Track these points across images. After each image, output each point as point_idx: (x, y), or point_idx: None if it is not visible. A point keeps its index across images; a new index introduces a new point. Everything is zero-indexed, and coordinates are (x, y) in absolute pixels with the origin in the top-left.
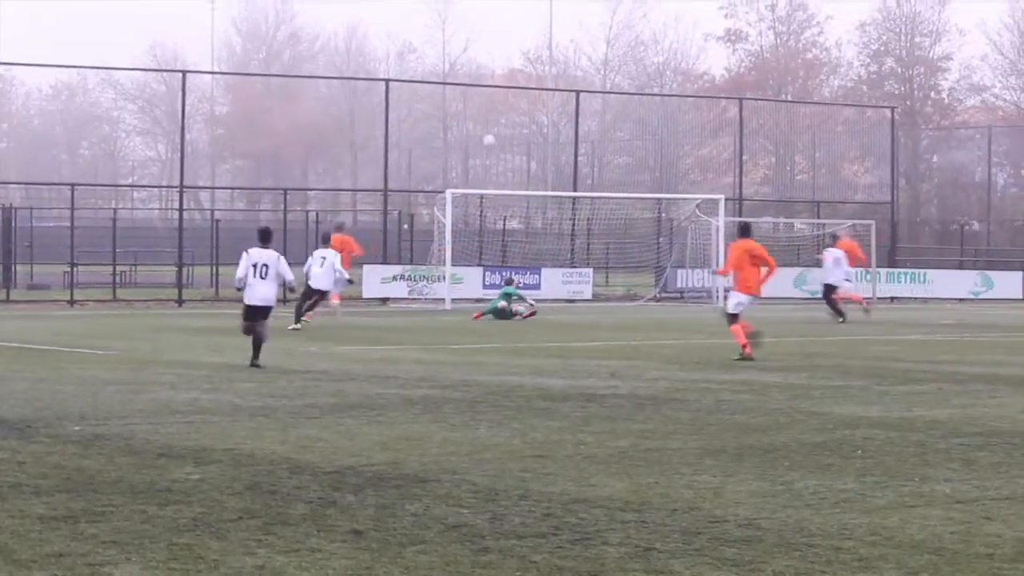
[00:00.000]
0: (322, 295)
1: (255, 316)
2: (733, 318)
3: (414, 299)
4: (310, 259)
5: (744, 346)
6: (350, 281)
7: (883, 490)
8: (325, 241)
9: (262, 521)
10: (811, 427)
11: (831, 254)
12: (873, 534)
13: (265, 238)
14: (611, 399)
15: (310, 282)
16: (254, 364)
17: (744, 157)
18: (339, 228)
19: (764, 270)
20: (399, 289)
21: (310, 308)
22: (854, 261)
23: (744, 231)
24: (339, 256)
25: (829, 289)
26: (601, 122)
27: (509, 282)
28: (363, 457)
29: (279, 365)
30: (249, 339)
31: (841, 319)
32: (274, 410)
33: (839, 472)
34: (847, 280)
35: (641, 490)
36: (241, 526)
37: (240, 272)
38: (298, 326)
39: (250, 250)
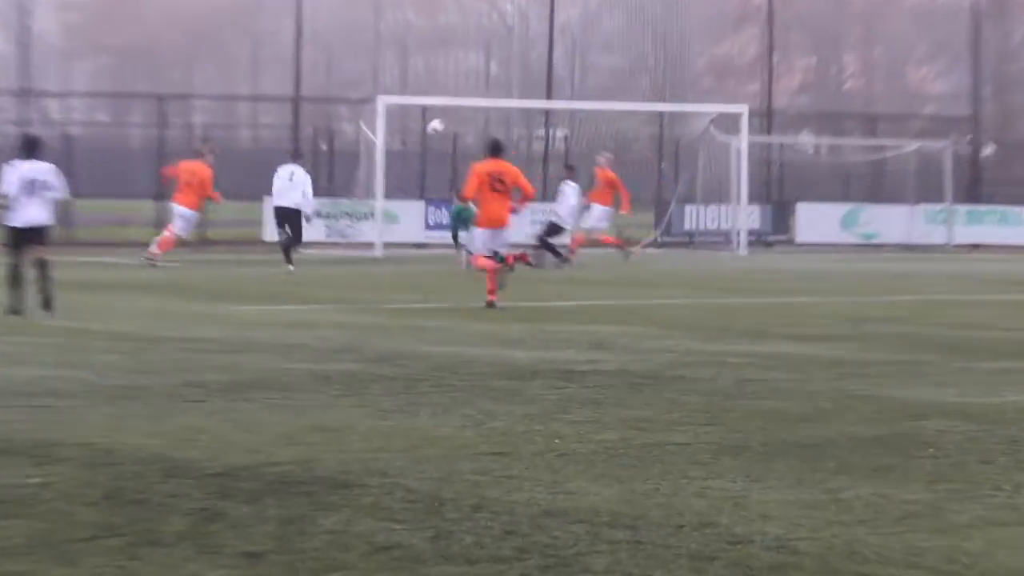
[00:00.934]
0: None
1: (25, 242)
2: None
3: (333, 243)
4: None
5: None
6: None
7: (962, 502)
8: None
9: (125, 540)
10: (865, 416)
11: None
12: (950, 561)
13: (31, 148)
14: (595, 377)
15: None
16: (45, 308)
17: (775, 57)
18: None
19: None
20: (313, 230)
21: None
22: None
23: (494, 150)
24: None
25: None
26: (584, 9)
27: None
28: (262, 454)
29: (148, 330)
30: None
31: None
32: (143, 391)
33: (903, 478)
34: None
35: (636, 499)
36: (97, 547)
37: (5, 188)
38: (291, 268)
39: (15, 163)
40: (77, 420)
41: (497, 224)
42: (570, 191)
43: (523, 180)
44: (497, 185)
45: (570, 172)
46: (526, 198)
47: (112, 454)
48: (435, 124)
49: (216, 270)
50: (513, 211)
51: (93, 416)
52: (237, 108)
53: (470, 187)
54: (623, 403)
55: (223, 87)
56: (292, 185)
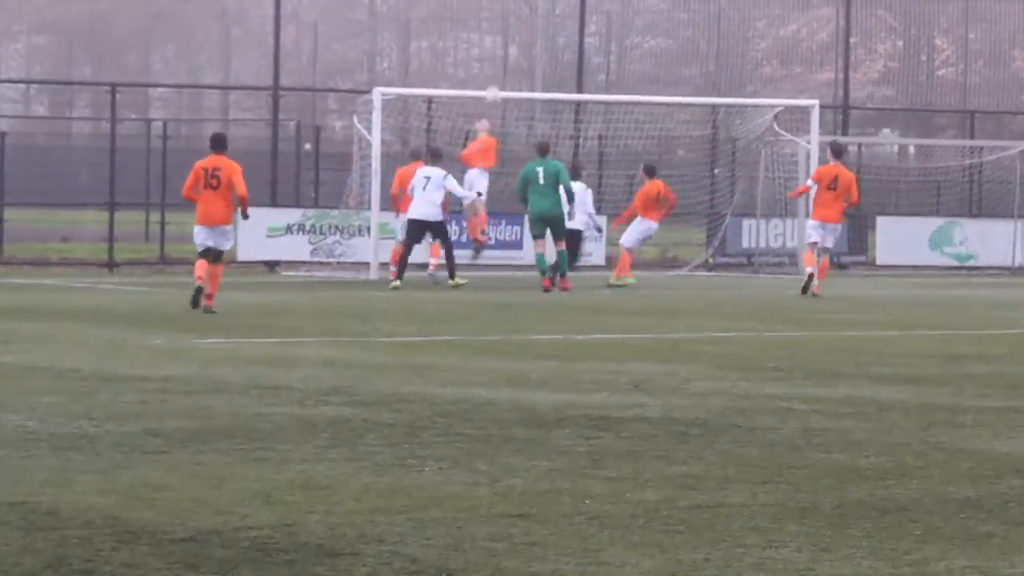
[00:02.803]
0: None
1: None
2: None
3: (320, 263)
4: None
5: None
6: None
7: None
8: (435, 157)
9: None
10: (958, 473)
11: None
12: None
13: None
14: (634, 425)
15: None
16: None
17: (853, 40)
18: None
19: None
20: (296, 247)
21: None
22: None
23: (214, 144)
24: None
25: None
26: None
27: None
28: (235, 515)
29: (99, 367)
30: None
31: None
32: (93, 440)
33: (1005, 548)
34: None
35: (682, 572)
36: None
37: None
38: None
39: None
40: (13, 474)
41: (211, 222)
42: (584, 196)
43: (238, 179)
44: (212, 181)
45: (575, 172)
46: (242, 200)
47: (55, 515)
48: (492, 92)
49: (180, 295)
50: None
51: (33, 470)
52: (204, 101)
53: (188, 184)
54: (667, 456)
55: (187, 75)
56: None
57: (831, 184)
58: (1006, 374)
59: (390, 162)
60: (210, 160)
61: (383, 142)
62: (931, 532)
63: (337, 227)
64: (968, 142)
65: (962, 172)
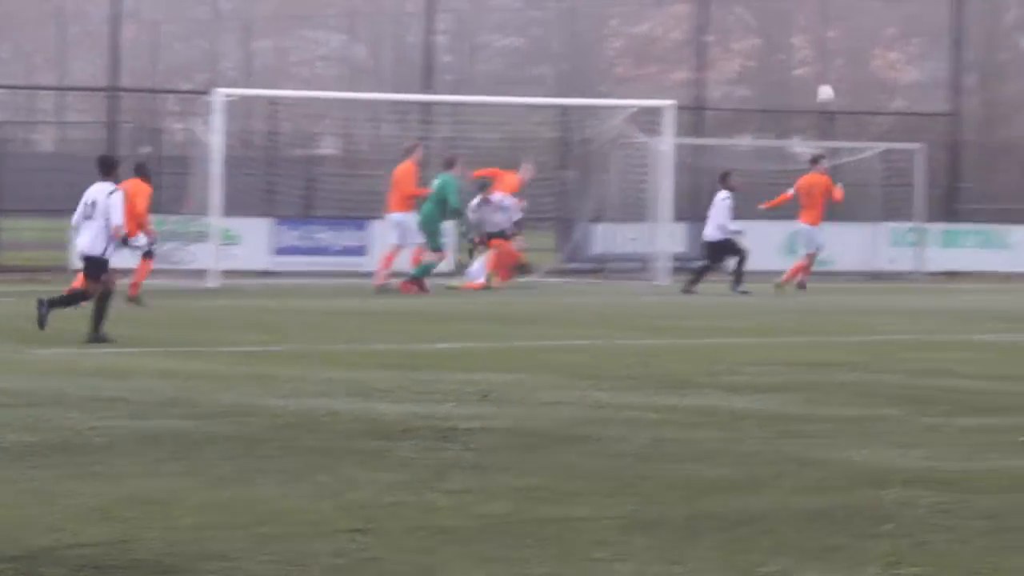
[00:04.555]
0: None
1: None
2: None
3: (158, 270)
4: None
5: None
6: None
7: None
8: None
9: None
10: (809, 484)
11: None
12: None
13: None
14: (480, 436)
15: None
16: None
17: (709, 38)
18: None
19: None
20: (134, 253)
21: None
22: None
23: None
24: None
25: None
26: None
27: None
28: (68, 532)
29: None
30: None
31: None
32: None
33: (855, 559)
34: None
35: None
36: None
37: None
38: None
39: None
40: None
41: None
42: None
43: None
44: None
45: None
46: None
47: None
48: (826, 92)
49: (12, 305)
50: None
51: None
52: (37, 102)
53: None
54: (514, 468)
55: (21, 75)
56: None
57: (810, 191)
58: (861, 382)
59: (233, 166)
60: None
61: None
62: (781, 543)
63: (175, 232)
64: (825, 143)
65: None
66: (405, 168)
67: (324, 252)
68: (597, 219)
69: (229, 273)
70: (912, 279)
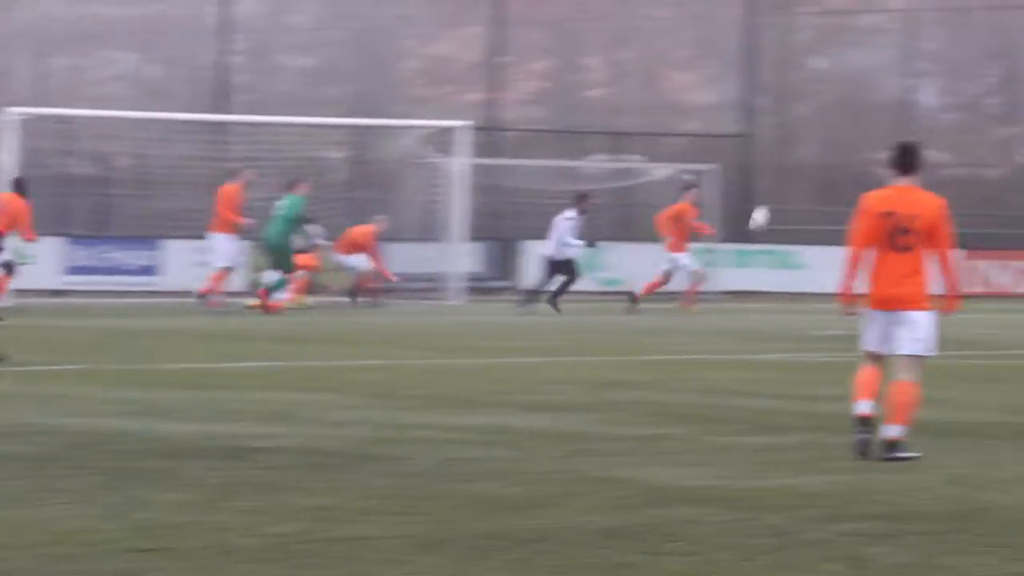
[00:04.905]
0: None
1: None
2: None
3: None
4: None
5: None
6: None
7: None
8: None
9: None
10: (599, 503)
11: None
12: None
13: None
14: (271, 456)
15: None
16: None
17: (504, 59)
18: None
19: None
20: None
21: None
22: None
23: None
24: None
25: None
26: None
27: None
28: None
29: None
30: None
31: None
32: None
33: None
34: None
35: None
36: None
37: None
38: None
39: None
40: None
41: None
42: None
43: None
44: None
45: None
46: None
47: None
48: (759, 217)
49: None
50: None
51: None
52: None
53: None
54: (304, 488)
55: None
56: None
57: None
58: (652, 401)
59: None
60: None
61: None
62: (571, 562)
63: None
64: (618, 163)
65: (612, 194)
66: (228, 190)
67: (116, 271)
68: (392, 239)
69: (21, 292)
70: (706, 300)
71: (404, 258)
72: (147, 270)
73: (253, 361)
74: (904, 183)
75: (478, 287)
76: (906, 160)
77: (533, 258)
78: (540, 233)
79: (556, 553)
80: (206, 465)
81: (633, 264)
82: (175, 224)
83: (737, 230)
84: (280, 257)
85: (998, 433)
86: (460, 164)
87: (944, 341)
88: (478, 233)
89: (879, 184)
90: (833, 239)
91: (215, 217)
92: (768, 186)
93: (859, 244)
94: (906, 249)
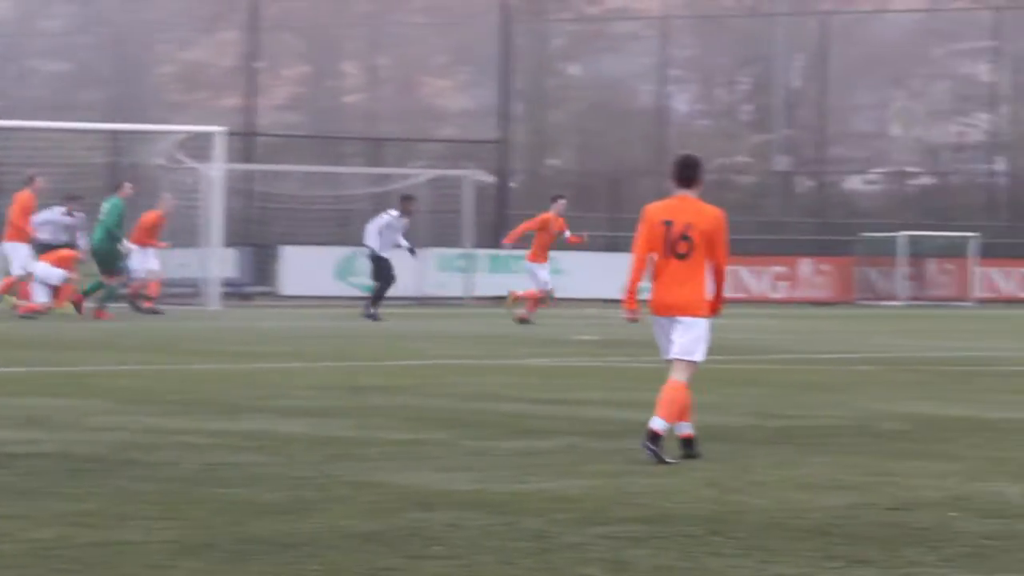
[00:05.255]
0: None
1: None
2: None
3: None
4: None
5: None
6: None
7: None
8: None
9: None
10: (359, 508)
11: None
12: None
13: None
14: (27, 461)
15: None
16: None
17: (259, 65)
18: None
19: None
20: None
21: None
22: None
23: None
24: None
25: None
26: (20, 2)
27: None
28: None
29: None
30: None
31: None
32: None
33: None
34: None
35: None
36: None
37: None
38: None
39: None
40: None
41: None
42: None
43: None
44: None
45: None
46: None
47: None
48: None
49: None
50: None
51: None
52: None
53: None
54: (62, 493)
55: None
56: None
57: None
58: (410, 406)
59: None
60: None
61: None
62: (332, 567)
63: None
64: (374, 169)
65: (369, 200)
66: (21, 197)
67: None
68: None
69: None
70: (461, 305)
71: (163, 263)
72: None
73: (7, 367)
74: (684, 194)
75: (236, 292)
76: (686, 173)
77: (290, 263)
78: (297, 239)
79: (318, 558)
80: None
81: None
82: None
83: (493, 235)
84: (105, 261)
85: (753, 437)
86: (216, 169)
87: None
88: (235, 239)
89: (633, 190)
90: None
91: (9, 225)
92: (524, 193)
93: (641, 251)
94: (684, 257)
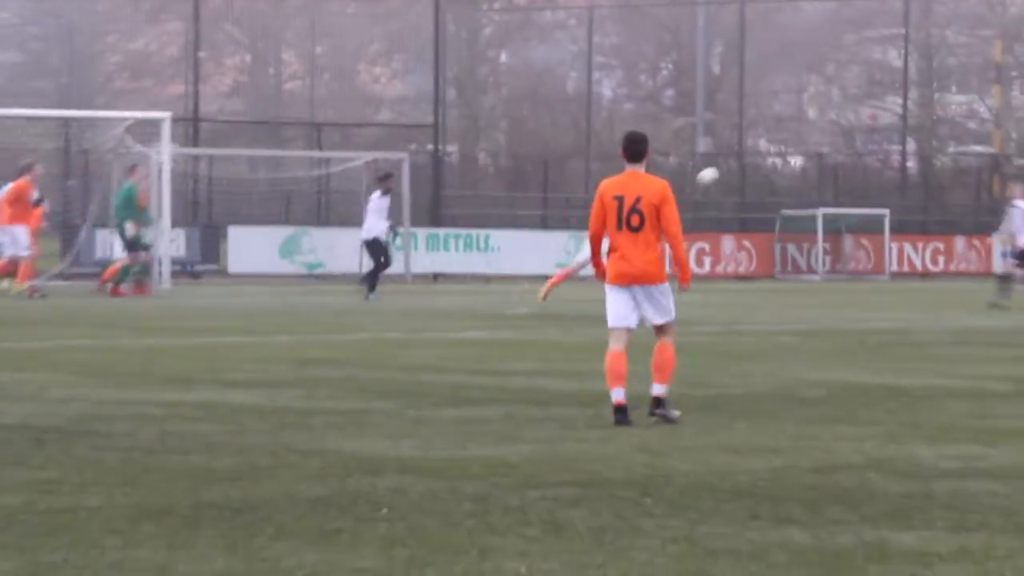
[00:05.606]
0: None
1: None
2: None
3: None
4: None
5: None
6: None
7: (422, 569)
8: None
9: None
10: (309, 473)
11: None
12: None
13: None
14: None
15: None
16: None
17: (202, 54)
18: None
19: None
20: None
21: None
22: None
23: None
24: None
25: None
26: None
27: None
28: None
29: None
30: None
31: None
32: None
33: (353, 542)
34: None
35: (41, 572)
36: None
37: None
38: None
39: None
40: None
41: None
42: None
43: None
44: None
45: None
46: None
47: None
48: (709, 175)
49: None
50: None
51: None
52: None
53: None
54: (25, 462)
55: None
56: None
57: None
58: (355, 377)
59: None
60: None
61: None
62: (283, 530)
63: None
64: (315, 153)
65: (310, 182)
66: (18, 185)
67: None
68: (100, 225)
69: None
70: (401, 282)
71: (114, 244)
72: None
73: None
74: (633, 168)
75: (185, 271)
76: (634, 148)
77: (236, 243)
78: (242, 219)
79: (269, 521)
80: None
81: (329, 248)
82: None
83: (430, 215)
84: (129, 242)
85: (681, 405)
86: (163, 154)
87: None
88: (180, 220)
89: (562, 171)
90: (519, 223)
91: (9, 210)
92: (458, 175)
93: (595, 225)
94: (637, 229)
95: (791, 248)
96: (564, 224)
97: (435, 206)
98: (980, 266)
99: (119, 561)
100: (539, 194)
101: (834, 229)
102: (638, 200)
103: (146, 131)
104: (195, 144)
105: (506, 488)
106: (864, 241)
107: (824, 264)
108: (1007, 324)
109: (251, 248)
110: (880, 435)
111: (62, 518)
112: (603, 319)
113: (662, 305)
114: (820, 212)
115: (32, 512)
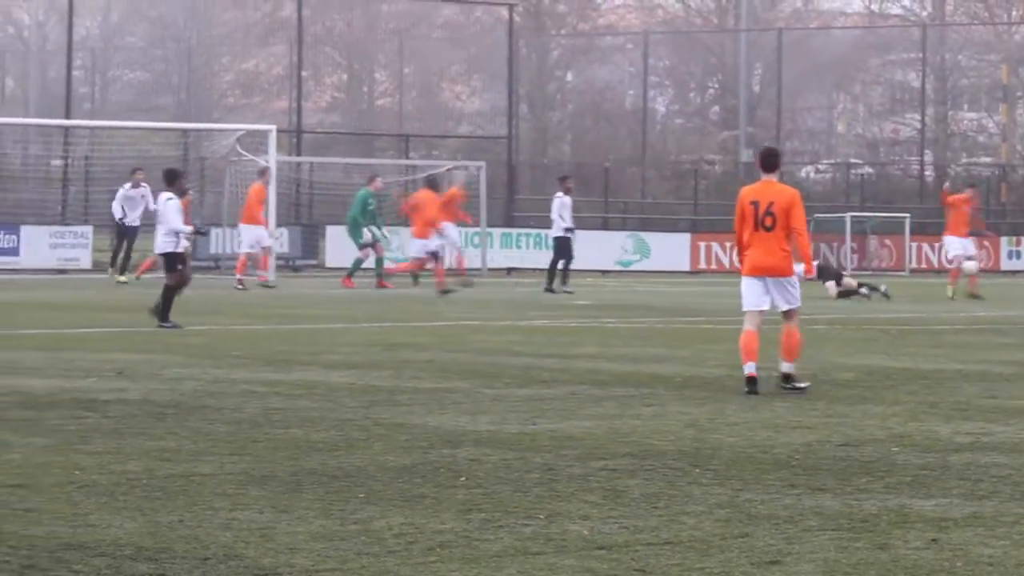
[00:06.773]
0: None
1: None
2: None
3: None
4: None
5: None
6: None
7: (496, 531)
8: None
9: None
10: (396, 445)
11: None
12: None
13: None
14: (118, 406)
15: None
16: None
17: (305, 73)
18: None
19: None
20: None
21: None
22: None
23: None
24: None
25: None
26: (105, 22)
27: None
28: None
29: None
30: None
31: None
32: None
33: (435, 507)
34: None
35: (160, 531)
36: None
37: None
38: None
39: None
40: None
41: None
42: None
43: None
44: None
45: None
46: None
47: None
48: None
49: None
50: None
51: None
52: None
53: None
54: (146, 433)
55: None
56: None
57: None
58: (437, 360)
59: None
60: None
61: None
62: (373, 495)
63: None
64: (403, 161)
65: (400, 187)
66: (255, 189)
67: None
68: (212, 224)
69: None
70: (479, 275)
71: (226, 240)
72: (8, 251)
73: (98, 327)
74: (767, 178)
75: (288, 265)
76: (769, 160)
77: (333, 240)
78: (339, 219)
79: (361, 487)
80: (63, 414)
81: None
82: (33, 212)
83: (504, 216)
84: (354, 238)
85: (726, 385)
86: (269, 161)
87: (677, 309)
88: (284, 219)
89: (620, 178)
90: (582, 224)
91: (244, 209)
92: (528, 181)
93: (738, 226)
94: (770, 229)
95: (823, 247)
96: (622, 225)
97: (508, 208)
98: (989, 263)
99: (228, 522)
100: (600, 198)
101: (860, 231)
102: (771, 204)
103: (255, 141)
104: (298, 153)
105: (570, 459)
106: (887, 241)
107: (852, 261)
108: (1011, 314)
109: (346, 244)
110: (902, 413)
111: (178, 483)
112: (655, 310)
113: (789, 294)
114: (848, 215)
115: (152, 477)
